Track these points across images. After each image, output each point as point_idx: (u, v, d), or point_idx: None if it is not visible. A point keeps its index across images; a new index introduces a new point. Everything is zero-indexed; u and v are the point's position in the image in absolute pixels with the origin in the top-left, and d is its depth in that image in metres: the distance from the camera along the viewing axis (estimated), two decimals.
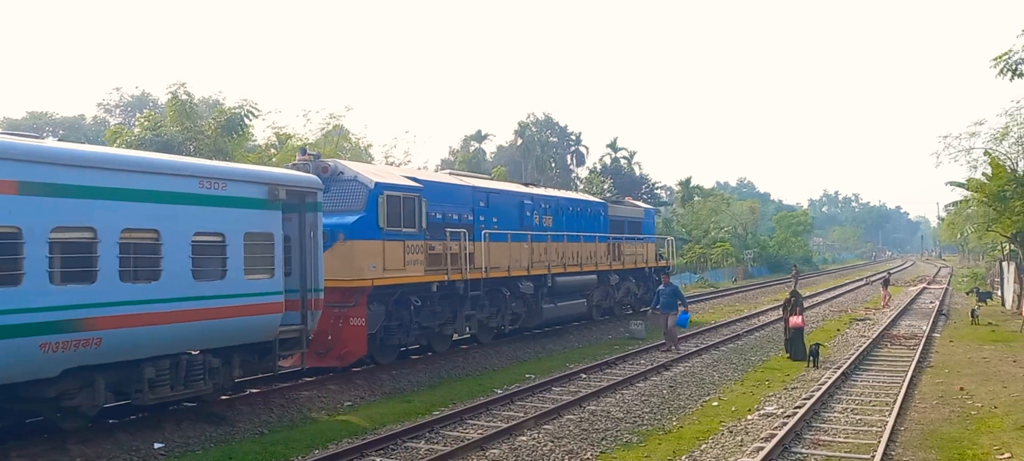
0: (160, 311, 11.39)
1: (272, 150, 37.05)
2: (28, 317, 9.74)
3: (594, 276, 25.90)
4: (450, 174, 22.86)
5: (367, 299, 16.36)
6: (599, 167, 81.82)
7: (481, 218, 20.24)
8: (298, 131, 39.11)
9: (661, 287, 22.10)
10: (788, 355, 20.42)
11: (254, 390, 14.76)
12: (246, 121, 32.81)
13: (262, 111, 34.28)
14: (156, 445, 11.66)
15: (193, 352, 12.38)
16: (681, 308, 21.52)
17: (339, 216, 16.34)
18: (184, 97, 31.95)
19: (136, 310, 11.07)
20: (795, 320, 20.59)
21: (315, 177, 15.03)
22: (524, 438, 12.16)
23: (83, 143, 28.24)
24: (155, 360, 11.63)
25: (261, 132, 39.63)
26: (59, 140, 39.56)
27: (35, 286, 9.82)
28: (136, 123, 36.38)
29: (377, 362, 17.43)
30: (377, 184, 16.89)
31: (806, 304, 36.77)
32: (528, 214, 22.63)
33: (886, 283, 39.51)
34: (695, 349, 21.51)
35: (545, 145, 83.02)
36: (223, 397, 13.75)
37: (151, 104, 62.41)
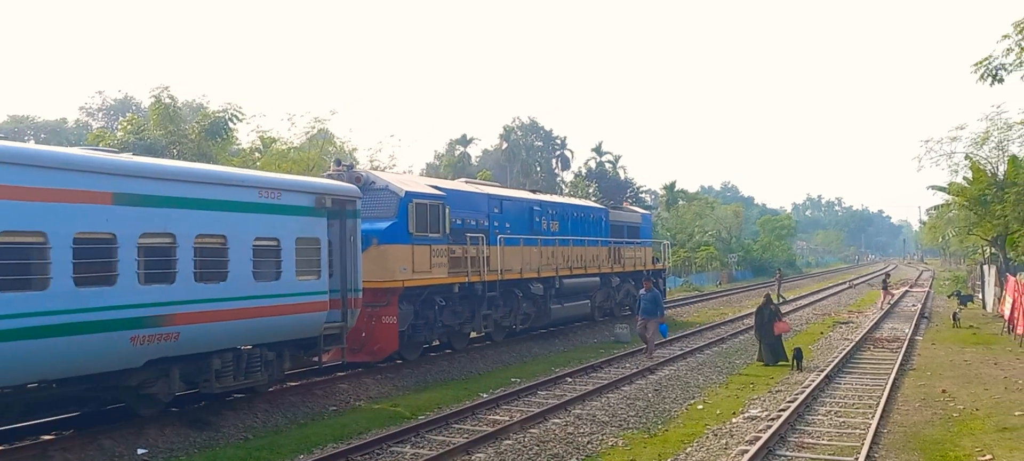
0: (227, 309, 12.76)
1: (256, 154, 36.83)
2: (121, 313, 11.08)
3: (597, 278, 27.22)
4: (466, 182, 24.29)
5: (398, 299, 17.71)
6: (584, 171, 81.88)
7: (495, 224, 21.72)
8: (283, 135, 38.96)
9: (642, 292, 21.89)
10: (763, 362, 20.15)
11: (239, 395, 14.69)
12: (230, 125, 32.64)
13: (246, 115, 34.04)
14: (140, 451, 11.56)
15: (248, 346, 13.66)
16: (661, 319, 21.19)
17: (372, 222, 17.36)
18: (167, 101, 31.74)
19: (207, 307, 12.41)
20: (781, 326, 20.63)
21: (355, 187, 16.42)
22: (510, 442, 12.16)
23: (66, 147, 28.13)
24: (221, 353, 13.03)
25: (245, 136, 39.43)
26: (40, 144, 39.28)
27: (127, 285, 11.16)
28: (119, 127, 36.06)
29: (405, 358, 18.66)
30: (407, 193, 18.25)
31: (789, 308, 37.17)
32: (537, 220, 24.01)
33: (885, 284, 39.41)
34: (680, 352, 21.56)
35: (530, 149, 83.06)
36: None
37: (134, 108, 61.89)
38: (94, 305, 10.64)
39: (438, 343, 20.56)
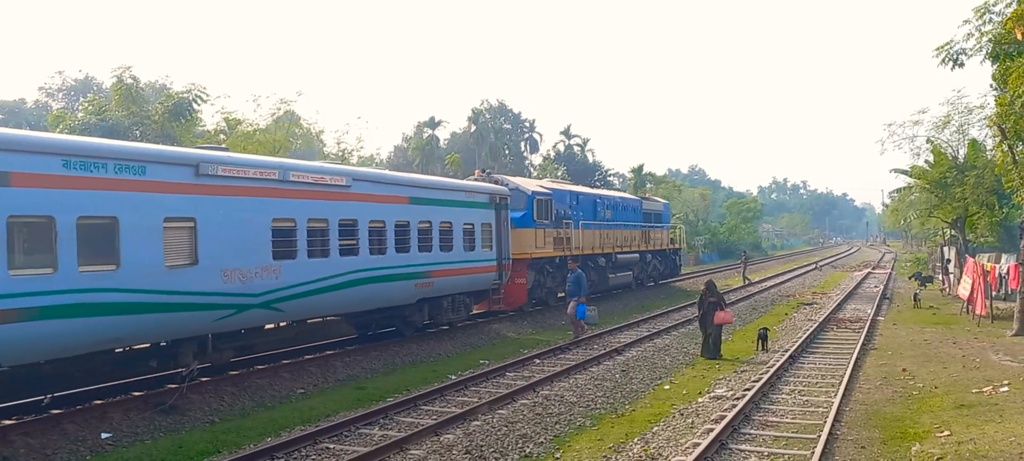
0: (453, 268, 20.46)
1: (221, 136, 36.37)
2: (411, 269, 18.64)
3: (636, 255, 34.98)
4: (553, 182, 33.27)
5: (527, 267, 25.27)
6: (553, 154, 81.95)
7: (575, 213, 28.96)
8: (248, 116, 38.57)
9: (569, 272, 21.67)
10: (705, 355, 18.49)
11: (205, 378, 14.56)
12: (194, 106, 32.17)
13: (211, 96, 33.60)
14: (103, 435, 11.43)
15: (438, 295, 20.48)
16: (581, 299, 20.58)
17: (509, 212, 23.93)
18: (130, 81, 31.19)
19: (445, 267, 20.05)
20: (723, 316, 18.63)
21: (507, 189, 24.40)
22: (478, 423, 12.20)
23: (25, 129, 27.78)
24: (446, 297, 20.58)
25: (210, 117, 38.97)
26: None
27: (413, 253, 18.68)
28: (80, 107, 35.40)
29: (524, 310, 25.89)
30: (532, 192, 26.35)
31: (753, 290, 37.57)
32: (598, 209, 31.50)
33: (947, 270, 37.46)
34: (647, 334, 21.76)
35: (499, 132, 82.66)
36: (172, 386, 13.83)
37: (95, 88, 60.75)
38: (401, 264, 18.19)
39: (535, 301, 27.11)
